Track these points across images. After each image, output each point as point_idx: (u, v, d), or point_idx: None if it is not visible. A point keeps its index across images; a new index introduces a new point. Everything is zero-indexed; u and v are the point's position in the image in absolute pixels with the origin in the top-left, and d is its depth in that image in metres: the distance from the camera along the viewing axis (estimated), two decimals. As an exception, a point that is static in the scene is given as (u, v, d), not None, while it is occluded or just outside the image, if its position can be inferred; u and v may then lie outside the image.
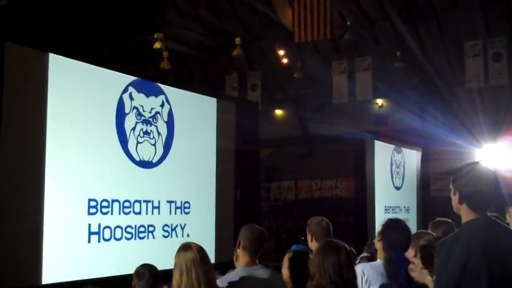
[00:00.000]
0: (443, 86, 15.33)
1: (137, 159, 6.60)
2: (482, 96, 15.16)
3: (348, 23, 14.44)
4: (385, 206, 11.01)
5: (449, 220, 4.38)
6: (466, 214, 2.64)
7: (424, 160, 13.61)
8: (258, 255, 3.70)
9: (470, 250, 2.49)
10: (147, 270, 4.28)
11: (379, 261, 3.39)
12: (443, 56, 15.51)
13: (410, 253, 3.43)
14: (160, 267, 4.35)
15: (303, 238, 5.64)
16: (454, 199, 2.69)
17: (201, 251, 3.27)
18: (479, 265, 2.44)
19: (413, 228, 11.21)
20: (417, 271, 3.35)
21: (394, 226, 3.64)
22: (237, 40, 14.44)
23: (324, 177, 19.19)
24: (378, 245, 3.62)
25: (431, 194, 14.09)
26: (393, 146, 11.77)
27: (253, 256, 3.66)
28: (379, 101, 17.66)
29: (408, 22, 15.59)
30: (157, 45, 13.50)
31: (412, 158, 12.65)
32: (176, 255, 3.23)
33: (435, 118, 15.35)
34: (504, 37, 15.22)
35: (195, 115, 7.71)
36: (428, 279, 3.30)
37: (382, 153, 11.24)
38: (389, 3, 15.25)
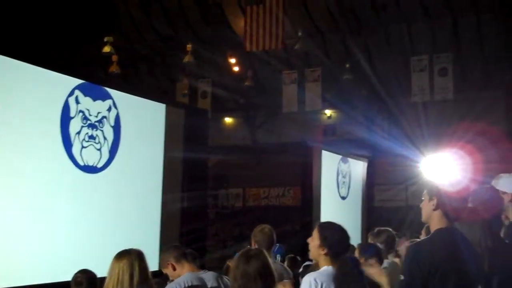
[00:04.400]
0: (390, 99, 15.67)
1: (81, 163, 6.48)
2: (427, 110, 15.58)
3: (299, 34, 14.62)
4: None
5: (389, 229, 4.48)
6: (438, 222, 2.74)
7: (370, 171, 13.86)
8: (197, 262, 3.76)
9: (441, 255, 2.65)
10: (85, 277, 4.20)
11: (327, 268, 3.37)
12: (390, 69, 15.87)
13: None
14: (100, 274, 4.28)
15: (248, 245, 5.66)
16: (429, 205, 2.79)
17: (138, 256, 3.24)
18: (447, 270, 2.57)
19: (357, 237, 11.31)
20: (375, 270, 3.39)
21: (332, 227, 3.62)
22: (188, 47, 14.41)
23: (272, 185, 19.29)
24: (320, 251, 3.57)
25: (375, 205, 14.37)
26: (340, 156, 11.94)
27: (192, 262, 3.74)
28: (328, 112, 17.91)
29: (357, 34, 15.90)
30: (106, 48, 13.34)
31: (358, 168, 12.87)
32: (111, 262, 3.20)
33: (381, 129, 15.68)
34: (450, 53, 15.71)
35: (143, 121, 7.63)
36: (383, 280, 3.35)
37: (329, 163, 11.40)
38: (339, 15, 15.53)
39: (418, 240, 3.28)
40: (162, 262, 3.94)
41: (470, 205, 3.12)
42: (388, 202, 14.61)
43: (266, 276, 2.96)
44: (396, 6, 15.29)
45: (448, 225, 2.75)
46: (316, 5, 15.55)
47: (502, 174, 4.28)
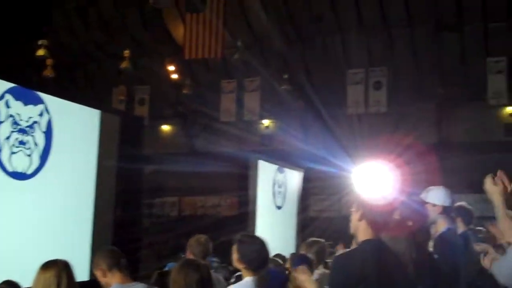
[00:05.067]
0: (326, 110, 15.94)
1: (10, 169, 6.26)
2: (361, 121, 15.94)
3: (239, 44, 14.69)
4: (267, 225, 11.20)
5: (322, 240, 4.54)
6: (364, 233, 2.79)
7: (306, 181, 14.02)
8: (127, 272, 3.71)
9: (367, 267, 2.71)
10: (9, 288, 4.06)
11: (247, 279, 3.40)
12: (327, 81, 16.18)
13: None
14: (25, 285, 4.14)
15: (183, 255, 5.61)
16: (355, 216, 2.84)
17: (65, 267, 3.16)
18: (374, 281, 2.62)
19: (292, 247, 11.37)
20: (305, 277, 3.42)
21: (251, 242, 3.66)
22: (126, 52, 14.24)
23: (209, 194, 19.22)
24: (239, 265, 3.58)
25: (311, 214, 14.54)
26: (276, 166, 12.02)
27: (125, 271, 3.66)
28: (266, 122, 18.04)
29: (295, 45, 16.13)
30: (40, 52, 12.99)
31: (294, 178, 12.99)
32: (37, 273, 3.11)
33: (318, 140, 15.92)
34: (385, 67, 16.17)
35: (77, 127, 7.44)
36: (312, 287, 3.38)
37: (266, 172, 11.45)
38: (279, 26, 15.72)
39: (345, 251, 3.34)
40: (94, 264, 3.82)
41: (397, 217, 3.21)
42: (324, 212, 14.82)
43: None
44: (333, 18, 15.63)
45: (374, 236, 2.80)
46: (255, 16, 15.69)
47: (431, 187, 4.43)
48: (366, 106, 16.32)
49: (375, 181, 4.53)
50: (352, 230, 2.88)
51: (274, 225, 11.69)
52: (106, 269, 3.68)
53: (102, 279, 3.68)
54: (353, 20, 15.37)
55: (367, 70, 16.15)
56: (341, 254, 2.96)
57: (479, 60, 15.19)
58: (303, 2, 15.48)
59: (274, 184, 11.82)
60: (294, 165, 13.09)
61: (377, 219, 2.80)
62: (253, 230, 10.74)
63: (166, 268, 4.27)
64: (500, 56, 15.49)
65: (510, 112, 15.88)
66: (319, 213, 13.49)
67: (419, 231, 3.42)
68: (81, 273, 3.43)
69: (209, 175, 17.99)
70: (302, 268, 3.54)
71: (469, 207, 5.11)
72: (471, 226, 5.24)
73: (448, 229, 4.21)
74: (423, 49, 15.66)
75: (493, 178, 2.84)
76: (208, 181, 18.11)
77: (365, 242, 2.80)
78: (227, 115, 16.27)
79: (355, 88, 16.27)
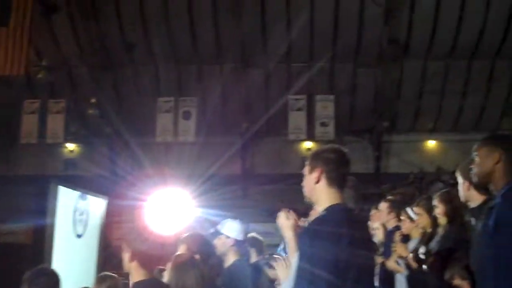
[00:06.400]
0: (135, 137, 15.79)
1: None
2: (169, 150, 16.07)
3: (44, 63, 14.07)
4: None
5: (115, 276, 4.46)
6: (137, 274, 2.70)
7: (110, 208, 13.70)
8: None
9: None
10: None
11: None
12: (137, 109, 16.10)
13: None
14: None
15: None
16: (125, 257, 2.76)
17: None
18: None
19: (90, 278, 10.97)
20: None
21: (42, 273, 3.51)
22: None
23: (2, 221, 17.83)
24: None
25: (114, 243, 14.18)
26: (78, 193, 11.61)
27: None
28: (71, 146, 17.32)
29: (106, 70, 15.86)
30: None
31: (97, 205, 12.64)
32: None
33: (124, 167, 15.68)
34: (195, 97, 16.55)
35: None
36: None
37: (66, 199, 11.00)
38: (90, 50, 15.34)
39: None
40: None
41: (184, 250, 3.27)
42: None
43: None
44: (145, 47, 15.69)
45: (148, 276, 2.74)
46: (66, 37, 15.18)
47: (228, 219, 4.61)
48: (175, 135, 16.52)
49: (167, 211, 4.60)
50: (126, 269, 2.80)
51: (73, 254, 11.25)
52: None
53: None
54: (165, 50, 15.57)
55: (177, 99, 16.40)
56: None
57: (281, 97, 16.22)
58: (116, 28, 15.34)
59: (75, 211, 11.39)
60: (98, 192, 12.76)
61: (150, 257, 2.75)
62: (49, 260, 10.22)
63: None
64: (300, 94, 16.72)
65: (307, 147, 17.11)
66: (121, 242, 13.19)
67: (206, 264, 3.51)
68: None
69: (4, 199, 16.75)
70: None
71: (261, 238, 5.41)
72: (266, 256, 5.54)
73: (238, 261, 4.40)
74: (230, 83, 16.34)
75: (287, 212, 2.98)
76: (3, 206, 16.84)
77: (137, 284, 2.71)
78: (28, 136, 15.36)
79: (165, 117, 16.41)
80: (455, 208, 4.03)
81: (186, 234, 3.34)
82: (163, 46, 15.44)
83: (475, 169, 2.95)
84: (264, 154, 16.92)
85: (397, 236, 4.76)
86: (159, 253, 2.77)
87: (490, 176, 2.85)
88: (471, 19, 15.14)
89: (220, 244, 4.24)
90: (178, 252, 3.23)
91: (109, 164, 15.64)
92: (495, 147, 2.86)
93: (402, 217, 4.91)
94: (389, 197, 5.66)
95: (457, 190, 3.73)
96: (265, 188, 15.36)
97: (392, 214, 5.23)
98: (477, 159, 2.93)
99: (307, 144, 17.22)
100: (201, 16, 15.41)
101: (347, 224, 2.51)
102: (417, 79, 16.46)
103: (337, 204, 2.63)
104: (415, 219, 4.64)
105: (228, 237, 4.43)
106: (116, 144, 16.31)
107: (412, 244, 4.66)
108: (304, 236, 2.58)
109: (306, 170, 2.77)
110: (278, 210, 3.07)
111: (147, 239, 2.68)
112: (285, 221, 2.97)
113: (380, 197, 6.29)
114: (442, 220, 4.15)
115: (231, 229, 4.49)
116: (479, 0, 14.93)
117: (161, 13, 15.27)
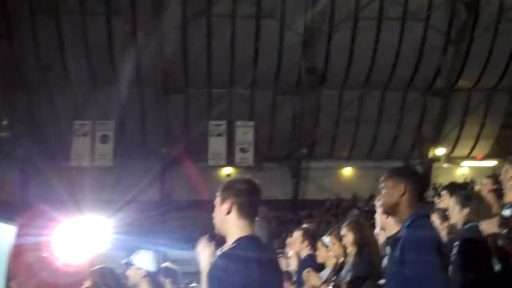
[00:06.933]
0: (49, 161, 15.24)
1: None
2: (85, 174, 15.57)
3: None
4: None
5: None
6: None
7: (20, 236, 13.09)
8: None
9: None
10: None
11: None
12: (53, 132, 15.59)
13: None
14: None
15: None
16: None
17: None
18: None
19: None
20: None
21: None
22: None
23: None
24: None
25: (20, 273, 13.53)
26: (-15, 219, 11.04)
27: None
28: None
29: (20, 94, 15.33)
30: None
31: (5, 233, 12.05)
32: None
33: (36, 192, 15.07)
34: (113, 121, 16.19)
35: None
36: None
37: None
38: (2, 71, 14.76)
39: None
40: None
41: (89, 284, 3.16)
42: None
43: None
44: (62, 69, 15.28)
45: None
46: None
47: (141, 250, 4.46)
48: (91, 159, 16.11)
49: (79, 239, 4.42)
50: None
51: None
52: None
53: None
54: (82, 73, 15.21)
55: (94, 122, 16.03)
56: None
57: (202, 122, 16.18)
58: (32, 49, 14.86)
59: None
60: (7, 218, 12.16)
61: (56, 287, 2.68)
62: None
63: None
64: (220, 120, 16.77)
65: (227, 173, 17.11)
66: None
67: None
68: None
69: None
70: None
71: (175, 267, 5.30)
72: (181, 285, 5.44)
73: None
74: (150, 108, 16.16)
75: (206, 241, 2.92)
76: None
77: None
78: None
79: (81, 140, 16.00)
80: (364, 237, 4.09)
81: (93, 268, 3.22)
82: (80, 68, 15.07)
83: (382, 200, 3.03)
84: (184, 179, 16.73)
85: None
86: (65, 282, 2.68)
87: (396, 207, 2.93)
88: (385, 52, 15.80)
89: (131, 275, 4.10)
90: (84, 287, 3.12)
91: (20, 188, 14.99)
92: (400, 179, 2.95)
93: (318, 245, 4.93)
94: (304, 226, 5.69)
95: (366, 218, 3.80)
96: (183, 214, 15.15)
97: (306, 243, 5.24)
98: (383, 190, 3.01)
99: (227, 170, 17.26)
100: (121, 39, 15.19)
101: (255, 257, 2.51)
102: (334, 107, 16.92)
103: (247, 236, 2.62)
104: (330, 247, 4.67)
105: (139, 268, 4.28)
106: (29, 168, 15.68)
107: (326, 273, 4.69)
108: (213, 269, 2.56)
109: (217, 201, 2.75)
110: (197, 237, 3.02)
111: (54, 269, 2.62)
112: (204, 248, 2.92)
113: (298, 223, 6.37)
114: (352, 250, 4.17)
115: (143, 260, 4.35)
116: (392, 35, 15.62)
117: (78, 34, 14.95)
